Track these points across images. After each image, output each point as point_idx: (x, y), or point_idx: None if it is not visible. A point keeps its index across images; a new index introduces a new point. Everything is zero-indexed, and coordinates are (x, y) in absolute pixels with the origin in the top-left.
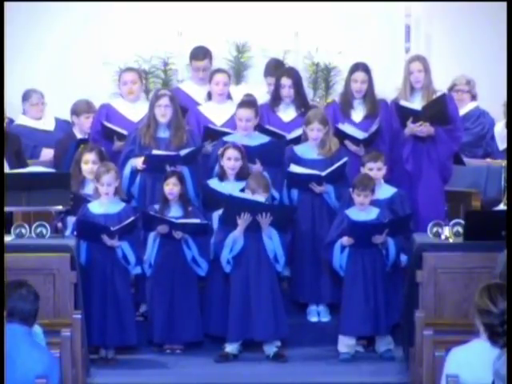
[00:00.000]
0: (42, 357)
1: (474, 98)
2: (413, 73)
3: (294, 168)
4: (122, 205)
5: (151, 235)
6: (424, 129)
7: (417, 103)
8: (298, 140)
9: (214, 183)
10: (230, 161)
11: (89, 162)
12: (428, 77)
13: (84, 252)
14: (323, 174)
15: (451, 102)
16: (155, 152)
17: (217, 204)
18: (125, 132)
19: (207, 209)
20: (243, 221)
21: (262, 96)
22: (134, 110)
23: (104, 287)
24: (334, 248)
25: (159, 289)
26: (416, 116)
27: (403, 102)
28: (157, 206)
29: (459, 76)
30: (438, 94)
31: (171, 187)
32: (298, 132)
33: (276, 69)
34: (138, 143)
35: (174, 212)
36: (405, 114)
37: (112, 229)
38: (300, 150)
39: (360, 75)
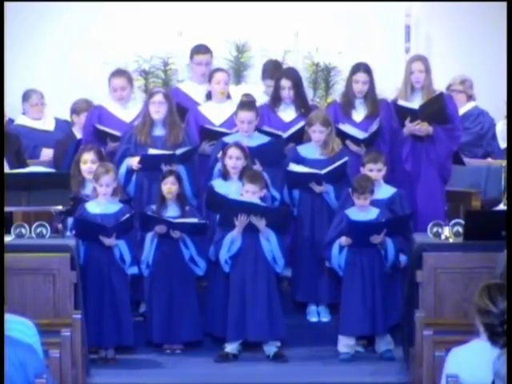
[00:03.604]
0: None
1: (471, 97)
2: (414, 73)
3: (294, 167)
4: (120, 205)
5: (149, 235)
6: (422, 128)
7: (416, 103)
8: (295, 137)
9: (218, 184)
10: (232, 159)
11: (87, 162)
12: (429, 77)
13: (82, 252)
14: (323, 172)
15: (450, 101)
16: (150, 152)
17: (220, 205)
18: (118, 133)
19: (211, 210)
20: (240, 222)
21: (261, 97)
22: (127, 111)
23: (101, 287)
24: (333, 248)
25: (158, 289)
26: (414, 115)
27: (401, 102)
28: (154, 206)
29: (455, 76)
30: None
31: (169, 186)
32: (293, 129)
33: (275, 70)
34: (134, 141)
35: (172, 212)
36: (403, 113)
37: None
38: (303, 150)
39: (361, 76)
